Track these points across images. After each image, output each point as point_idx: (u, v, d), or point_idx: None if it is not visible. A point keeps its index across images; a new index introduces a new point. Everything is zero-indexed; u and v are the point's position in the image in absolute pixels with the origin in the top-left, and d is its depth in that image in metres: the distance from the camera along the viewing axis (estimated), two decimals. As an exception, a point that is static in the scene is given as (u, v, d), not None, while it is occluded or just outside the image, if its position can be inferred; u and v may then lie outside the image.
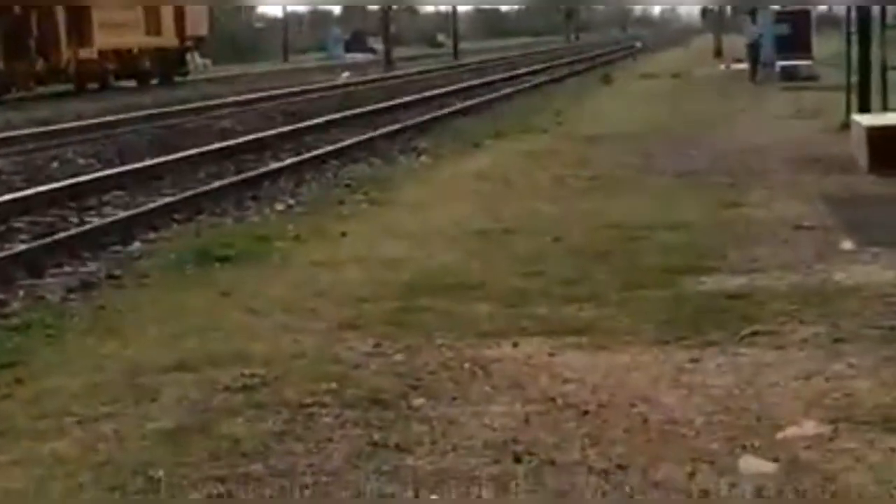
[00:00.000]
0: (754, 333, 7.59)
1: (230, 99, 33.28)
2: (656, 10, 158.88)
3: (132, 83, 42.87)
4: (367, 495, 5.16)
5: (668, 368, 6.94)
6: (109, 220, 13.41)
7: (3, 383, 7.04)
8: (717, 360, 7.06)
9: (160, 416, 6.27)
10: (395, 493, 5.18)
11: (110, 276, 10.54)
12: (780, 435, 5.77)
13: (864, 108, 18.40)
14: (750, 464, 5.41)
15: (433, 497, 4.71)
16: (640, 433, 5.86)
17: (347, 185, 16.24)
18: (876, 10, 19.48)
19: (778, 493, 5.06)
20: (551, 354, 7.29)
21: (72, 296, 9.81)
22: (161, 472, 5.43)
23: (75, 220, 13.92)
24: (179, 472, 5.44)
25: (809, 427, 5.85)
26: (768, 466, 5.37)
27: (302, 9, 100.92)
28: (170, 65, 45.44)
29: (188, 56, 48.33)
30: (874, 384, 6.50)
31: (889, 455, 5.46)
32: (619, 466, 5.42)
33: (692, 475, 5.29)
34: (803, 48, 36.71)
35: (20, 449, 5.86)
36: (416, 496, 5.15)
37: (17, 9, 36.09)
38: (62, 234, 12.39)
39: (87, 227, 12.97)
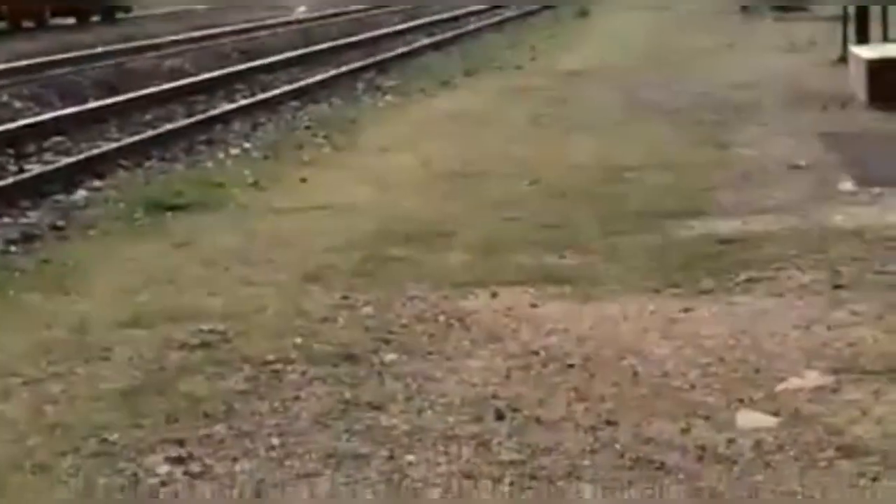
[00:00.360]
0: (749, 280, 7.61)
1: (178, 36, 32.99)
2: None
3: (71, 20, 42.47)
4: (339, 456, 5.15)
5: (658, 319, 6.94)
6: (51, 167, 13.24)
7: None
8: (711, 309, 7.07)
9: (113, 375, 6.24)
10: (369, 454, 5.17)
11: (54, 228, 10.45)
12: (780, 387, 5.79)
13: (863, 40, 18.41)
14: (748, 418, 5.43)
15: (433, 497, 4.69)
16: (629, 387, 5.87)
17: (307, 128, 16.12)
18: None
19: (779, 448, 5.09)
20: (533, 305, 7.29)
21: (13, 248, 9.72)
22: (116, 436, 5.42)
23: (13, 167, 13.76)
24: (135, 435, 5.43)
25: (811, 378, 5.87)
26: (768, 420, 5.39)
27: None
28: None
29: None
30: (878, 332, 6.53)
31: (897, 406, 5.51)
32: (609, 422, 5.44)
33: (686, 431, 5.31)
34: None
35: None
36: (392, 457, 5.14)
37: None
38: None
39: (27, 174, 12.81)
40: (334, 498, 4.80)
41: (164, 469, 5.08)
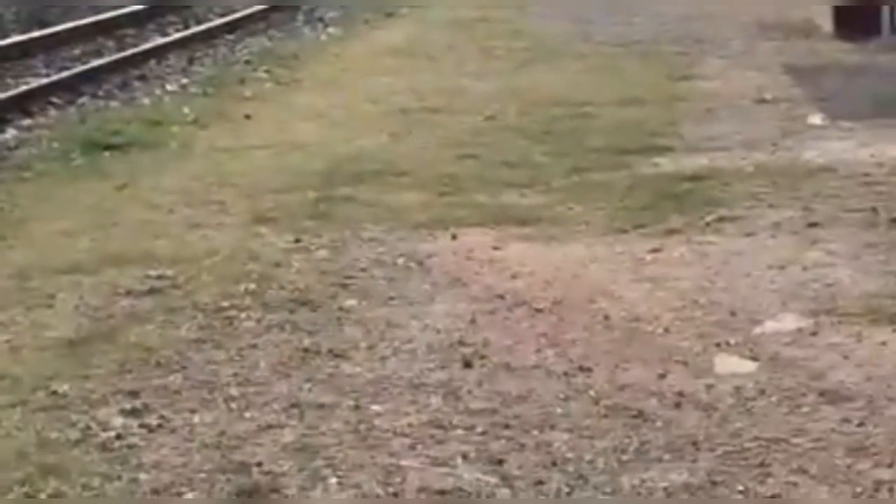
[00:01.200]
0: (720, 219, 7.64)
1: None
2: None
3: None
4: (302, 406, 5.16)
5: (627, 260, 6.97)
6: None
7: None
8: (681, 250, 7.11)
9: (57, 324, 6.21)
10: (332, 403, 5.18)
11: (-16, 169, 10.38)
12: (757, 330, 5.84)
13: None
14: (727, 363, 5.48)
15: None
16: (601, 332, 5.91)
17: (247, 62, 15.96)
18: None
19: (760, 394, 5.13)
20: (495, 248, 7.30)
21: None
22: (66, 387, 5.39)
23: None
24: (86, 387, 5.40)
25: (789, 321, 5.92)
26: (747, 365, 5.44)
27: None
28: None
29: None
30: (856, 272, 6.59)
31: (879, 349, 5.56)
32: (581, 368, 5.47)
33: (663, 377, 5.35)
34: None
35: None
36: (357, 406, 5.15)
37: None
38: None
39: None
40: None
41: (118, 422, 5.06)
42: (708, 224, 7.56)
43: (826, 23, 15.44)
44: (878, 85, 11.86)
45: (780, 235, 7.31)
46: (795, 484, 4.44)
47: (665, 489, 4.43)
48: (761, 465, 4.57)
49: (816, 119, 10.40)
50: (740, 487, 4.42)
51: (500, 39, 16.27)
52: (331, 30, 19.44)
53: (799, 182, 8.40)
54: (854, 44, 14.30)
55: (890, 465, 4.53)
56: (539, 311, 6.21)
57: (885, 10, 14.63)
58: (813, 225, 7.46)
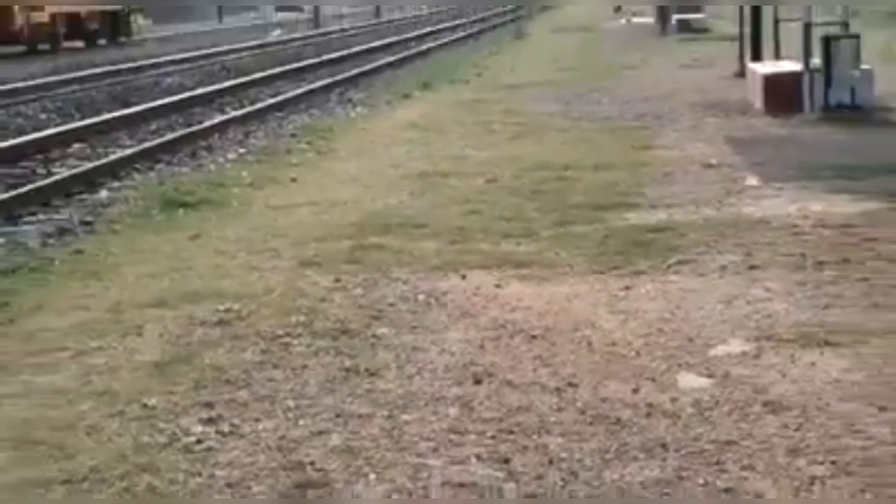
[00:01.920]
0: (678, 262, 7.64)
1: (173, 57, 32.75)
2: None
3: (81, 44, 42.09)
4: (345, 415, 5.17)
5: (604, 296, 6.97)
6: (76, 170, 13.16)
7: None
8: (647, 287, 7.11)
9: (146, 349, 6.22)
10: (370, 413, 5.20)
11: (83, 223, 10.40)
12: (711, 353, 5.85)
13: (757, 57, 18.49)
14: (688, 380, 5.49)
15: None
16: (585, 355, 5.91)
17: (293, 135, 16.07)
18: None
19: (714, 405, 5.14)
20: (497, 286, 7.29)
21: (50, 241, 9.68)
22: (154, 400, 5.41)
23: (43, 171, 13.68)
24: (171, 400, 5.42)
25: (736, 346, 5.93)
26: (704, 381, 5.45)
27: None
28: (115, 26, 44.68)
29: (132, 17, 47.41)
30: (790, 306, 6.59)
31: (809, 369, 5.56)
32: (570, 384, 5.48)
33: (636, 391, 5.36)
34: (695, 5, 36.67)
35: (20, 382, 5.80)
36: (390, 416, 5.17)
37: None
38: (29, 186, 12.03)
39: (57, 177, 12.72)
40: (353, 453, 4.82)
41: (198, 429, 5.07)
42: (668, 267, 7.55)
43: (758, 101, 15.50)
44: (802, 153, 11.88)
45: (726, 276, 7.30)
46: (746, 478, 4.45)
47: (641, 483, 4.45)
48: (717, 462, 4.58)
49: (753, 181, 10.41)
50: (701, 481, 4.43)
51: (495, 116, 16.34)
52: (359, 109, 19.57)
53: (741, 232, 8.40)
54: (781, 119, 14.34)
55: (822, 463, 4.54)
56: (534, 337, 6.21)
57: (806, 91, 14.68)
58: (753, 267, 7.46)
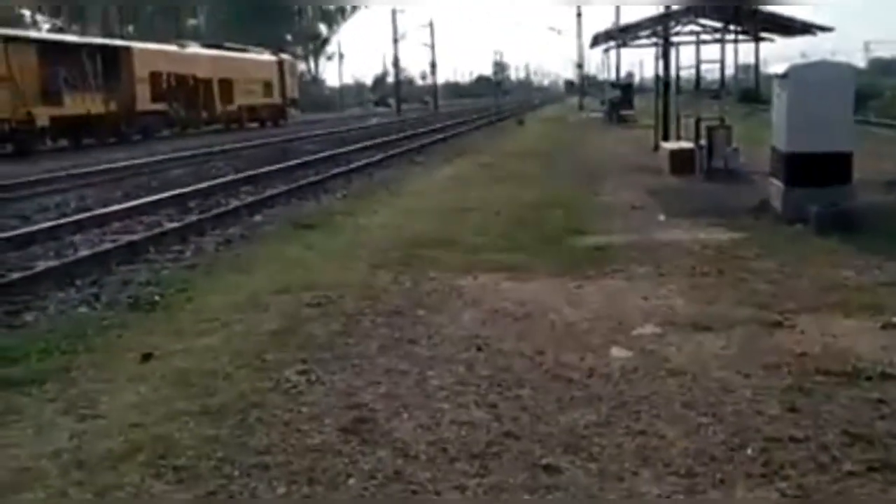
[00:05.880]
0: (613, 270, 7.19)
1: (312, 133, 32.44)
2: (545, 81, 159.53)
3: (256, 125, 41.94)
4: (392, 371, 4.75)
5: (563, 292, 6.53)
6: (244, 202, 12.79)
7: (181, 300, 6.62)
8: (592, 287, 6.65)
9: (269, 321, 5.84)
10: (407, 370, 4.77)
11: (243, 236, 10.02)
12: (633, 333, 5.39)
13: (666, 138, 17.89)
14: (616, 351, 5.03)
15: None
16: (550, 332, 5.47)
17: (380, 183, 15.66)
18: (671, 80, 18.90)
19: (633, 370, 4.69)
20: (496, 283, 6.87)
21: (220, 248, 9.32)
22: (269, 356, 5.03)
23: (223, 202, 13.34)
24: (280, 357, 5.03)
25: (649, 328, 5.47)
26: (628, 353, 5.00)
27: (351, 82, 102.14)
28: (277, 114, 44.40)
29: (288, 108, 47.15)
30: (686, 301, 6.12)
31: (698, 346, 5.09)
32: (539, 353, 5.04)
33: (583, 358, 4.91)
34: (629, 103, 35.94)
35: (187, 342, 5.44)
36: (421, 372, 4.74)
37: (191, 81, 35.28)
38: (215, 211, 11.78)
39: (231, 206, 12.38)
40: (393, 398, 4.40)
41: (294, 378, 4.69)
42: (606, 273, 7.10)
43: (666, 166, 14.94)
44: (693, 199, 11.30)
45: (644, 280, 6.83)
46: (654, 424, 3.99)
47: (584, 425, 4.00)
48: (636, 412, 4.13)
49: (662, 217, 9.90)
50: (623, 426, 3.98)
51: (501, 171, 15.80)
52: (419, 168, 19.07)
53: (653, 251, 7.92)
54: (681, 177, 13.77)
55: (705, 414, 4.07)
56: (517, 319, 5.78)
57: (697, 160, 14.12)
58: (661, 274, 6.99)
